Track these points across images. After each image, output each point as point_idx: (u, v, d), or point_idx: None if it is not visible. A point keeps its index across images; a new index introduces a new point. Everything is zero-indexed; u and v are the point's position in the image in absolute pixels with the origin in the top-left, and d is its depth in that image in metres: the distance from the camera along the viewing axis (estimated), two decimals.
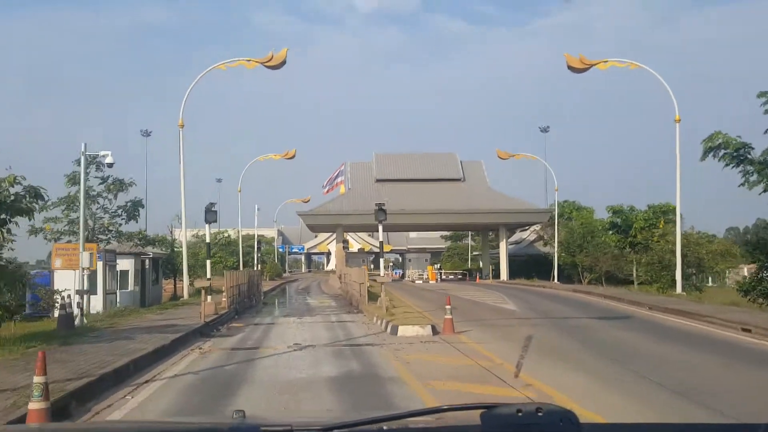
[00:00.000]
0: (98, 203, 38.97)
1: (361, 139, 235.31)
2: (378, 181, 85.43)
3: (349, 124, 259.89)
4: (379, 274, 37.10)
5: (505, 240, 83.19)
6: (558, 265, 71.06)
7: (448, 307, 23.32)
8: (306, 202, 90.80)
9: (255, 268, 58.23)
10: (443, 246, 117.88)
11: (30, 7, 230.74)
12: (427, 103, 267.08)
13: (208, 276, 35.25)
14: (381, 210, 37.10)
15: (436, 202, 79.60)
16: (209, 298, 29.78)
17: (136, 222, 41.76)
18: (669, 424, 3.20)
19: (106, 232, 39.76)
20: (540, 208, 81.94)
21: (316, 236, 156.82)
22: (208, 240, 38.43)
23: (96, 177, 37.95)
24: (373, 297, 33.71)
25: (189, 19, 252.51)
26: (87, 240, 28.50)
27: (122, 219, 40.01)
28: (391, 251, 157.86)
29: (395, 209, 77.99)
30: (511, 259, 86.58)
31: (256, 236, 57.77)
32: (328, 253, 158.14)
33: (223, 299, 33.63)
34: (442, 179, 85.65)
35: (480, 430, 2.18)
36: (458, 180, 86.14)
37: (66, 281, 27.69)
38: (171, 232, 60.88)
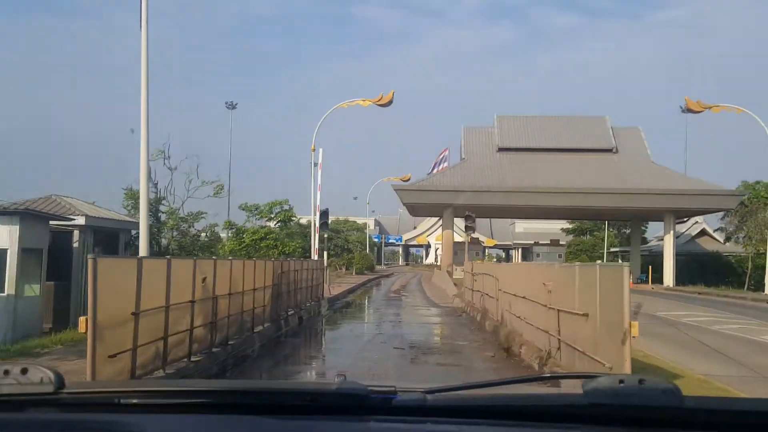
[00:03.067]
0: None
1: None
2: (501, 150, 61.45)
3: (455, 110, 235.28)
4: None
5: (673, 231, 57.96)
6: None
7: None
8: (406, 180, 68.98)
9: (313, 256, 34.72)
10: (560, 240, 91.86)
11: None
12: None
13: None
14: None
15: (579, 179, 55.14)
16: None
17: None
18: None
19: None
20: (727, 190, 55.79)
21: (415, 227, 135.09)
22: None
23: None
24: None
25: (295, 12, 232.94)
26: None
27: None
28: (495, 246, 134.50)
29: (523, 186, 54.47)
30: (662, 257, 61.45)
31: (318, 207, 34.14)
32: (428, 246, 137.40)
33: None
34: (587, 149, 60.73)
35: (582, 398, 2.01)
36: (609, 151, 61.00)
37: None
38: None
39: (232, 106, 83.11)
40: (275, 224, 43.29)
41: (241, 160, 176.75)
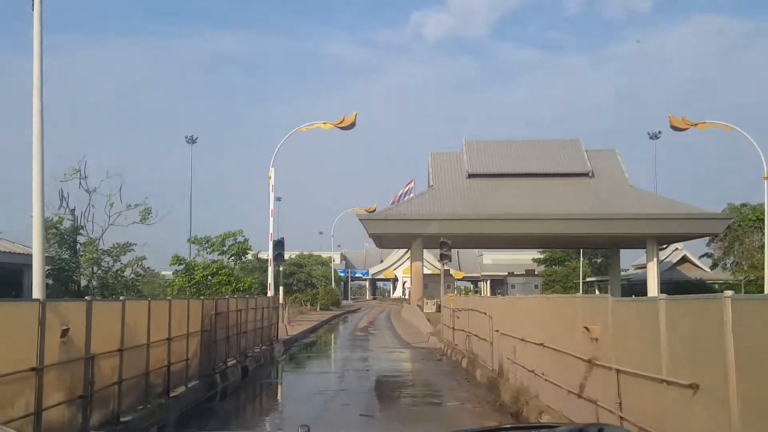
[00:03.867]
0: None
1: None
2: (471, 176, 57.18)
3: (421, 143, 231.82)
4: None
5: (656, 258, 53.98)
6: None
7: None
8: (371, 211, 64.52)
9: (269, 293, 29.87)
10: (535, 271, 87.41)
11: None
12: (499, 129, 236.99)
13: None
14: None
15: (555, 205, 51.16)
16: None
17: None
18: None
19: None
20: (713, 213, 52.06)
21: (381, 261, 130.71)
22: None
23: None
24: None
25: (260, 49, 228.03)
26: None
27: None
28: (463, 278, 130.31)
29: (497, 213, 50.30)
30: (644, 285, 57.83)
31: (271, 235, 29.63)
32: (395, 279, 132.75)
33: None
34: (562, 174, 56.68)
35: None
36: (585, 175, 56.96)
37: None
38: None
39: (192, 140, 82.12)
40: (228, 258, 38.34)
41: (202, 196, 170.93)
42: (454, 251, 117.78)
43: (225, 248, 37.77)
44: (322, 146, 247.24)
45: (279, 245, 31.60)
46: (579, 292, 71.69)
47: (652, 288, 53.10)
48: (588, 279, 77.76)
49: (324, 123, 36.58)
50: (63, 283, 28.25)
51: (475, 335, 17.00)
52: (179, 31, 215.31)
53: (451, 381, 17.02)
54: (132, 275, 31.10)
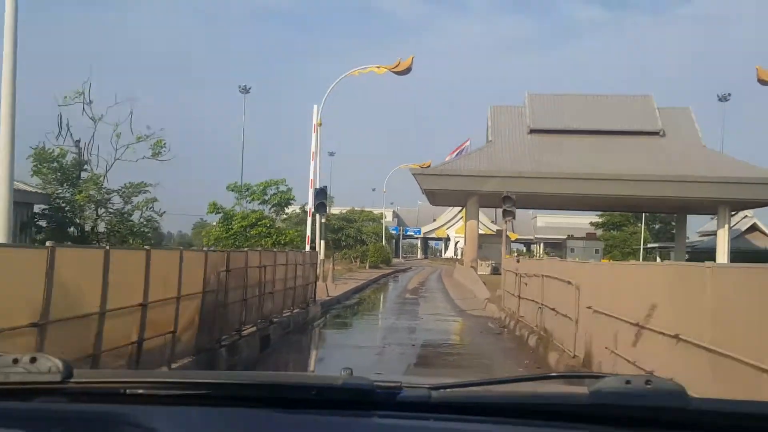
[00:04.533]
0: None
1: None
2: (532, 131, 53.13)
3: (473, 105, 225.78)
4: None
5: (728, 225, 49.47)
6: None
7: None
8: (425, 167, 60.84)
9: (307, 248, 26.54)
10: (593, 233, 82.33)
11: None
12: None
13: None
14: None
15: (622, 164, 46.98)
16: None
17: None
18: None
19: None
20: None
21: (434, 219, 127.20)
22: None
23: None
24: None
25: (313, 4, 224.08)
26: None
27: None
28: (516, 240, 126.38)
29: (560, 172, 46.14)
30: (711, 254, 53.39)
31: (311, 181, 26.15)
32: (448, 239, 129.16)
33: None
34: (631, 132, 52.23)
35: (587, 398, 1.97)
36: (655, 134, 52.46)
37: None
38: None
39: (245, 90, 79.88)
40: (270, 209, 35.12)
41: (254, 149, 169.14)
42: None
43: (266, 198, 34.58)
44: (378, 102, 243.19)
45: (321, 194, 28.02)
46: (639, 258, 67.13)
47: (722, 256, 48.72)
48: (649, 245, 73.06)
49: (378, 67, 33.89)
50: (60, 225, 24.90)
51: (552, 309, 13.27)
52: None
53: (516, 364, 13.50)
54: (142, 219, 27.68)
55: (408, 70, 34.19)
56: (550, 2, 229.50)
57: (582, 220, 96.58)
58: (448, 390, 2.08)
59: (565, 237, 70.67)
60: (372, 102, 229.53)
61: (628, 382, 1.94)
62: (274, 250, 18.41)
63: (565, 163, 47.95)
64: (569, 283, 11.89)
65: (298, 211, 47.39)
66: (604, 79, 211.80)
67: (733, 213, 59.87)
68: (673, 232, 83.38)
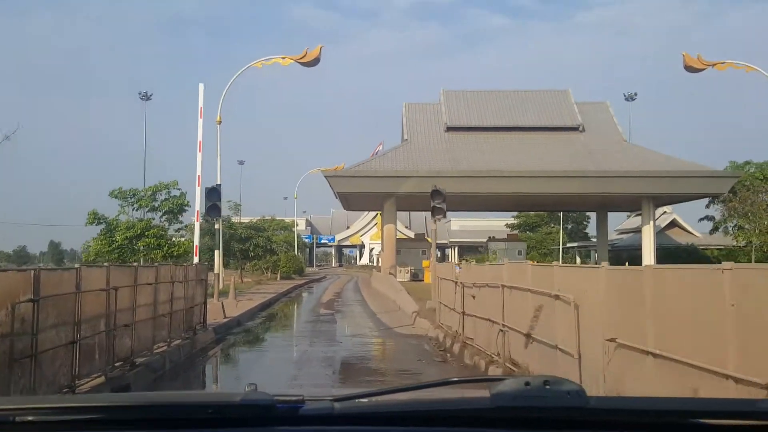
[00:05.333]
0: None
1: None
2: (449, 129, 49.60)
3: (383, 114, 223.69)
4: None
5: (653, 221, 47.24)
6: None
7: None
8: (339, 170, 56.83)
9: (196, 260, 21.82)
10: (514, 234, 79.46)
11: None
12: None
13: None
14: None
15: (542, 161, 44.40)
16: None
17: None
18: (675, 399, 2.67)
19: None
20: (718, 171, 45.21)
21: (348, 227, 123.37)
22: None
23: None
24: None
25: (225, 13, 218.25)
26: None
27: None
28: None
29: (480, 170, 42.89)
30: (633, 252, 51.78)
31: (199, 178, 21.59)
32: (362, 246, 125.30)
33: None
34: (550, 128, 49.37)
35: (488, 401, 1.96)
36: (575, 129, 49.66)
37: None
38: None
39: (146, 97, 74.85)
40: (161, 217, 30.15)
41: (158, 155, 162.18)
42: (420, 216, 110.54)
43: (156, 204, 29.65)
44: (290, 109, 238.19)
45: (213, 194, 23.02)
46: (558, 259, 64.63)
47: (647, 253, 46.37)
48: (568, 245, 70.95)
49: (283, 57, 31.63)
50: None
51: (526, 335, 9.08)
52: None
53: None
54: None
55: (316, 61, 31.70)
56: (458, 12, 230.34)
57: (498, 223, 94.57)
58: (351, 401, 2.04)
59: (482, 240, 67.92)
60: (283, 109, 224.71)
61: (527, 383, 1.90)
62: (135, 265, 13.80)
63: (483, 161, 44.78)
64: (554, 297, 7.88)
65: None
66: (516, 81, 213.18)
67: (656, 208, 58.18)
68: (586, 231, 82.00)
